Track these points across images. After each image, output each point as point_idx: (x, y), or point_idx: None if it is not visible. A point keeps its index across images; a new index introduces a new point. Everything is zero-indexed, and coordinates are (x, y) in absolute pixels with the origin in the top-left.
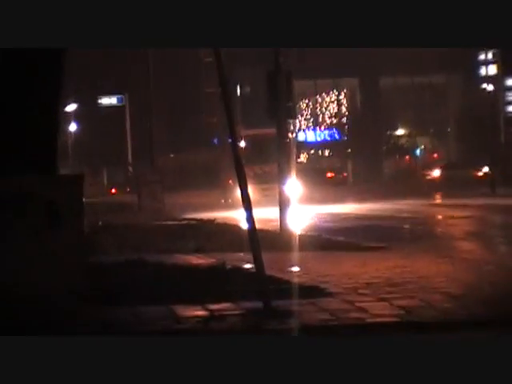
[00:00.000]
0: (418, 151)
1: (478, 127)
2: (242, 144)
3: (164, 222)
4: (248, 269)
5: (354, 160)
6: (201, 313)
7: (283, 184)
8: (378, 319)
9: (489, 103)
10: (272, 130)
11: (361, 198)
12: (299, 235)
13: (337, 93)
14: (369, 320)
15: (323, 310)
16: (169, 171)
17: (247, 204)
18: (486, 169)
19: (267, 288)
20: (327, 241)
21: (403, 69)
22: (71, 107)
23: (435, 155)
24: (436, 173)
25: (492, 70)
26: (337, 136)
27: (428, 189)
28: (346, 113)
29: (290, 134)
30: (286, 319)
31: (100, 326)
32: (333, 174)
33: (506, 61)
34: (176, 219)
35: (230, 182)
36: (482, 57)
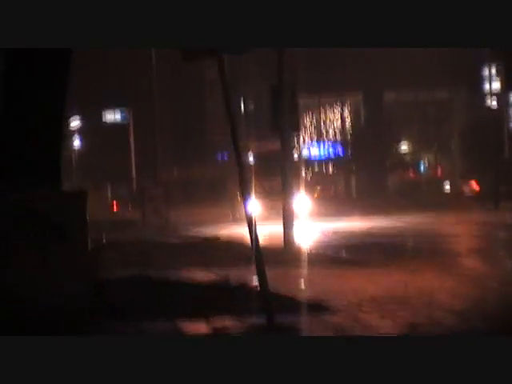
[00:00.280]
0: (421, 166)
1: (481, 142)
2: (251, 159)
3: (168, 240)
4: (252, 284)
5: (357, 175)
6: (205, 328)
7: (287, 199)
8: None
9: (493, 119)
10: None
11: (365, 213)
12: (304, 251)
13: (340, 108)
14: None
15: (327, 325)
16: (173, 187)
17: (251, 220)
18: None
19: (271, 304)
20: (331, 257)
21: (407, 84)
22: (75, 123)
23: (439, 170)
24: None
25: (496, 85)
26: (340, 151)
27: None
28: (350, 128)
29: (298, 150)
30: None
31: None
32: (320, 190)
33: (510, 76)
34: (181, 237)
35: (239, 197)
36: (485, 72)
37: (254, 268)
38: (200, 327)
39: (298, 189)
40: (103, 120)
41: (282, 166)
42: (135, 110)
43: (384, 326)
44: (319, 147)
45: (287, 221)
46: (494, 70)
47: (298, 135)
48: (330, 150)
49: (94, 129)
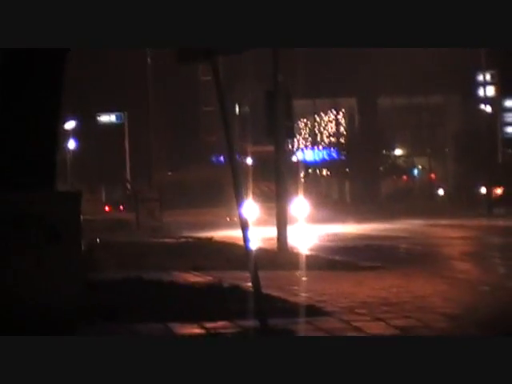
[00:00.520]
0: (415, 171)
1: (475, 148)
2: (249, 161)
3: (162, 240)
4: (245, 287)
5: (351, 180)
6: (197, 331)
7: (281, 203)
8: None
9: (487, 124)
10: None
11: (358, 218)
12: (297, 254)
13: (335, 112)
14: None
15: (319, 328)
16: (167, 189)
17: (244, 222)
18: (483, 189)
19: (264, 307)
20: (325, 260)
21: (401, 89)
22: (70, 124)
23: (432, 175)
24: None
25: (490, 91)
26: (335, 155)
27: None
28: (344, 132)
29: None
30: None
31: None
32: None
33: (504, 82)
34: (174, 237)
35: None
36: (480, 78)
37: (246, 270)
38: (192, 329)
39: (296, 192)
40: (98, 121)
41: (276, 170)
42: (130, 112)
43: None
44: (313, 151)
45: (281, 224)
46: (488, 76)
47: (293, 139)
48: (325, 154)
49: (88, 129)
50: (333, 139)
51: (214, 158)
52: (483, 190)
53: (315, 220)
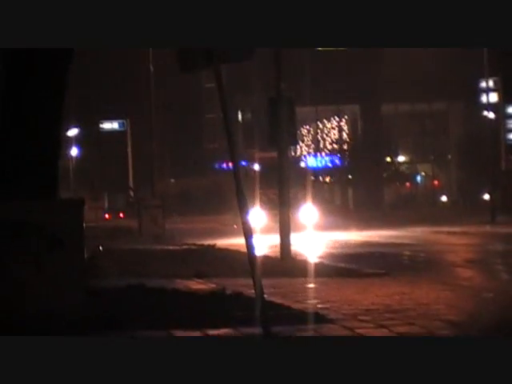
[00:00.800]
0: (418, 178)
1: (478, 154)
2: (256, 167)
3: (165, 247)
4: (248, 294)
5: (354, 186)
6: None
7: (285, 210)
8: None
9: (490, 131)
10: (289, 153)
11: (363, 226)
12: (301, 261)
13: (338, 119)
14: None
15: (323, 336)
16: (170, 196)
17: (248, 229)
18: (486, 196)
19: (267, 314)
20: (328, 267)
21: (404, 96)
22: (73, 132)
23: (436, 182)
24: None
25: (493, 97)
26: (338, 162)
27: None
28: (347, 139)
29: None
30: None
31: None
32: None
33: (506, 89)
34: (177, 244)
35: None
36: (483, 84)
37: (250, 277)
38: (195, 335)
39: (305, 199)
40: (100, 129)
41: (279, 177)
42: (132, 120)
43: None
44: (316, 158)
45: (284, 231)
46: (491, 83)
47: (296, 146)
48: (327, 161)
49: (91, 136)
50: (335, 146)
51: (216, 165)
52: (486, 197)
53: (320, 227)
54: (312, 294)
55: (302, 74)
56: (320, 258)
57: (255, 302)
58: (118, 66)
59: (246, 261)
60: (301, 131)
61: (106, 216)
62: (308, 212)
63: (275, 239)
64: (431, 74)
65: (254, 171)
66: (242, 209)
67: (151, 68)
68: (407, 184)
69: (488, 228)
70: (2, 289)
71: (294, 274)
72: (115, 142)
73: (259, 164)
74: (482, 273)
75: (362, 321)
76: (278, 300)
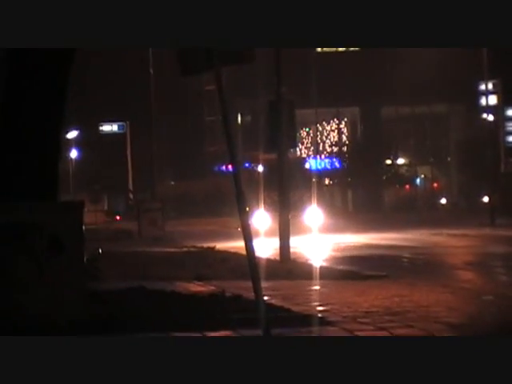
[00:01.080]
0: (418, 180)
1: (478, 157)
2: (260, 169)
3: (164, 250)
4: (248, 297)
5: (354, 189)
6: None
7: (284, 213)
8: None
9: (489, 133)
10: (293, 155)
11: (363, 228)
12: (300, 264)
13: (338, 122)
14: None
15: (322, 336)
16: (170, 199)
17: (247, 232)
18: (485, 198)
19: (266, 316)
20: (328, 270)
21: (404, 98)
22: (72, 134)
23: (435, 184)
24: None
25: (492, 100)
26: (337, 165)
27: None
28: (347, 142)
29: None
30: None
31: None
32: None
33: (506, 91)
34: (177, 247)
35: (247, 208)
36: (482, 87)
37: (249, 280)
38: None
39: (310, 202)
40: (100, 131)
41: (278, 179)
42: (132, 122)
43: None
44: (316, 161)
45: (283, 234)
46: (490, 85)
47: (295, 149)
48: (327, 163)
49: (91, 139)
50: (335, 148)
51: (217, 168)
52: (486, 199)
53: (322, 229)
54: (312, 297)
55: (302, 77)
56: (320, 260)
57: (255, 304)
58: (118, 69)
59: (245, 263)
60: (300, 134)
61: (103, 218)
62: (313, 214)
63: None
64: (431, 77)
65: (258, 173)
66: (242, 211)
67: (151, 71)
68: (407, 186)
69: (487, 230)
70: (2, 290)
71: (293, 277)
72: (115, 145)
73: (263, 166)
74: (481, 275)
75: (361, 323)
76: (277, 302)
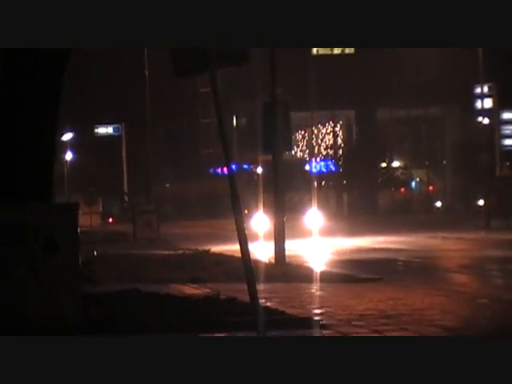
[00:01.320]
0: (413, 183)
1: (473, 160)
2: (260, 170)
3: (159, 252)
4: (242, 299)
5: (349, 192)
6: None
7: (279, 216)
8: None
9: (484, 136)
10: (293, 156)
11: (358, 231)
12: (295, 267)
13: (333, 124)
14: None
15: (314, 336)
16: (165, 201)
17: (242, 235)
18: (480, 202)
19: (261, 319)
20: (324, 272)
21: (400, 101)
22: (67, 136)
23: (431, 188)
24: None
25: (488, 103)
26: (332, 167)
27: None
28: (342, 144)
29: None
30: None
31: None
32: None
33: (501, 94)
34: (172, 249)
35: (246, 211)
36: (478, 90)
37: (244, 282)
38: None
39: (310, 204)
40: (95, 133)
41: (274, 182)
42: (128, 124)
43: None
44: (311, 163)
45: (278, 237)
46: (486, 88)
47: (290, 151)
48: (322, 166)
49: (86, 141)
50: (330, 151)
51: (212, 170)
52: (481, 202)
53: (319, 232)
54: (307, 300)
55: (297, 80)
56: (315, 263)
57: (249, 307)
58: (114, 71)
59: (240, 266)
60: (296, 136)
61: (95, 221)
62: (313, 217)
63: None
64: (427, 80)
65: (257, 174)
66: (237, 214)
67: (146, 73)
68: (402, 189)
69: (483, 233)
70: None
71: (288, 280)
72: (110, 147)
73: (262, 167)
74: (476, 278)
75: (356, 326)
76: (272, 305)
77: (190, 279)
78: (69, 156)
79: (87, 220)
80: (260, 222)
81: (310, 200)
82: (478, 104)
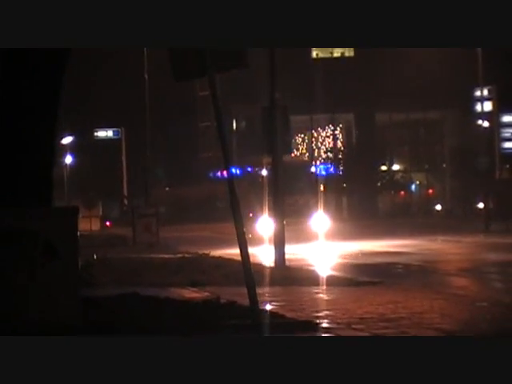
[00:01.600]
0: (413, 187)
1: (472, 163)
2: (264, 173)
3: (159, 256)
4: (242, 303)
5: (349, 195)
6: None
7: (279, 220)
8: None
9: (484, 139)
10: (300, 158)
11: (357, 235)
12: (295, 270)
13: (333, 128)
14: None
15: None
16: (165, 204)
17: (242, 239)
18: (480, 205)
19: (261, 322)
20: (323, 276)
21: (399, 105)
22: (67, 140)
23: (430, 191)
24: None
25: (488, 106)
26: (332, 171)
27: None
28: (342, 148)
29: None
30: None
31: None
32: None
33: (501, 97)
34: (171, 253)
35: (251, 214)
36: (477, 93)
37: (244, 286)
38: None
39: (316, 207)
40: (95, 137)
41: (273, 186)
42: (127, 128)
43: None
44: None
45: (277, 240)
46: (485, 91)
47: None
48: (322, 169)
49: (85, 144)
50: (330, 154)
51: (211, 174)
52: (481, 206)
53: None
54: (307, 303)
55: (297, 83)
56: (316, 267)
57: (249, 310)
58: (113, 74)
59: (240, 269)
60: (295, 140)
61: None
62: (319, 220)
63: (290, 249)
64: (426, 83)
65: (262, 177)
66: (237, 218)
67: (146, 76)
68: (402, 193)
69: (482, 237)
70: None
71: (288, 283)
72: (110, 151)
73: (267, 169)
74: (475, 282)
75: (356, 329)
76: (272, 309)
77: (190, 283)
78: (68, 159)
79: (87, 224)
80: (265, 225)
81: (316, 203)
82: (478, 107)
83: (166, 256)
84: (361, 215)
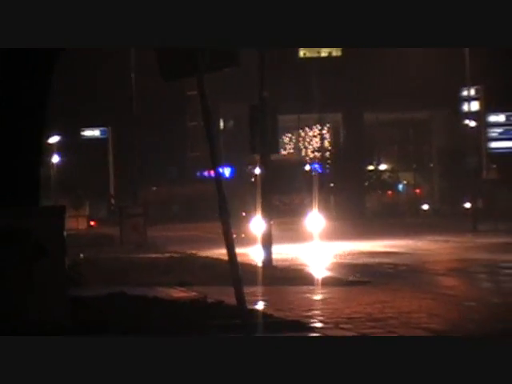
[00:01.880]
0: (400, 186)
1: (460, 163)
2: (257, 171)
3: (147, 256)
4: (230, 303)
5: (336, 194)
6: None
7: (267, 220)
8: None
9: (471, 139)
10: (295, 155)
11: (346, 235)
12: (283, 270)
13: (320, 127)
14: None
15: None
16: (152, 204)
17: (229, 239)
18: (467, 205)
19: (248, 322)
20: (311, 275)
21: (387, 104)
22: (54, 139)
23: (418, 191)
24: None
25: (475, 106)
26: (319, 170)
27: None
28: (329, 147)
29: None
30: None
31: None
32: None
33: (488, 97)
34: (159, 252)
35: (244, 213)
36: (465, 93)
37: (231, 285)
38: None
39: (311, 206)
40: (82, 136)
41: (261, 185)
42: (114, 127)
43: None
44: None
45: (265, 241)
46: (472, 91)
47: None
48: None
49: (72, 144)
50: (317, 154)
51: (199, 174)
52: (468, 205)
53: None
54: (294, 302)
55: (284, 83)
56: (305, 266)
57: (236, 310)
58: (99, 73)
59: (228, 269)
60: (283, 139)
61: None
62: (315, 220)
63: (277, 249)
64: (414, 83)
65: (255, 176)
66: (224, 217)
67: (132, 75)
68: (389, 192)
69: (470, 236)
70: None
71: (277, 283)
72: (97, 150)
73: (260, 167)
74: (463, 281)
75: (343, 329)
76: (259, 308)
77: (178, 282)
78: (55, 159)
79: (74, 223)
80: (258, 224)
81: (310, 202)
82: (465, 107)
83: (154, 256)
84: (348, 215)
